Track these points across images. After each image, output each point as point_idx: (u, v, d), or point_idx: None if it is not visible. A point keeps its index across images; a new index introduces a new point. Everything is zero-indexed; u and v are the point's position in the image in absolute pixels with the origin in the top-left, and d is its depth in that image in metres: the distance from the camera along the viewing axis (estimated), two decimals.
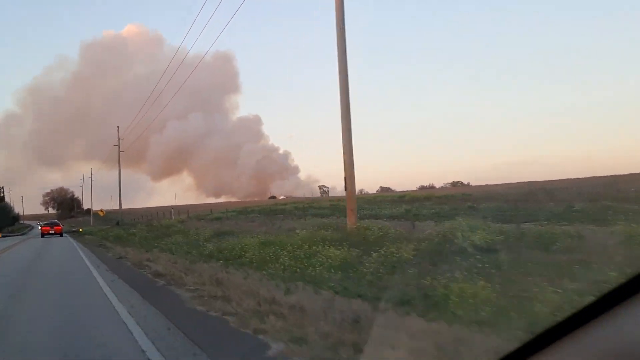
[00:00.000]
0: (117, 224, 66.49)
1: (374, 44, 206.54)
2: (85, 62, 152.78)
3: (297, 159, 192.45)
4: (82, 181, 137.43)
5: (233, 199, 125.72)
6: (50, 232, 49.82)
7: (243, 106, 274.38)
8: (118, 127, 67.81)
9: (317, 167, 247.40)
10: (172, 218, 42.04)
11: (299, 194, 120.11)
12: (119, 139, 66.99)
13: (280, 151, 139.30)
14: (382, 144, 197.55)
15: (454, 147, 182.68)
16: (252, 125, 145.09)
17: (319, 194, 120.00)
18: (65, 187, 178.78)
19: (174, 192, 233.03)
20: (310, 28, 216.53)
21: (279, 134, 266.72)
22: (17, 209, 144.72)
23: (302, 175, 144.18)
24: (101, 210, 68.36)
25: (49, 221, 63.61)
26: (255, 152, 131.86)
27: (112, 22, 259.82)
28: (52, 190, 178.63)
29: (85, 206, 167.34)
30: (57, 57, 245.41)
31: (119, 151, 67.21)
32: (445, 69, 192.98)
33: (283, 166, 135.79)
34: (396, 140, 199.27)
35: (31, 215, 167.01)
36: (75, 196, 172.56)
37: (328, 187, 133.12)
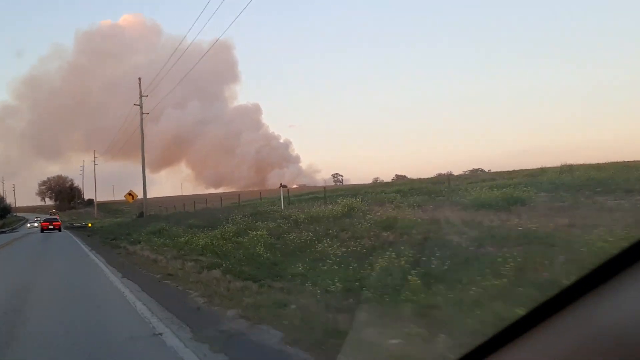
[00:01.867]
0: (141, 215, 46.18)
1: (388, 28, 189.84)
2: (81, 52, 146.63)
3: (298, 149, 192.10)
4: (82, 169, 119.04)
5: (232, 189, 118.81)
6: (50, 227, 51.77)
7: (242, 95, 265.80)
8: (140, 79, 47.01)
9: (318, 157, 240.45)
10: (281, 205, 21.80)
11: (300, 183, 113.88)
12: (140, 96, 46.17)
13: (281, 140, 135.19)
14: (395, 131, 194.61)
15: (467, 135, 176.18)
16: (252, 114, 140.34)
17: (321, 183, 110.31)
18: (63, 175, 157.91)
19: (171, 183, 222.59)
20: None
21: (279, 123, 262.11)
22: (10, 200, 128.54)
23: (302, 164, 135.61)
24: (130, 195, 46.34)
25: (48, 217, 62.31)
26: (255, 141, 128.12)
27: (109, 12, 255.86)
28: (49, 178, 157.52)
29: (87, 196, 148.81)
30: (53, 46, 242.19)
31: (142, 114, 46.29)
32: (465, 52, 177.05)
33: (283, 156, 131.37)
34: (410, 128, 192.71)
35: (28, 207, 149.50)
36: (75, 185, 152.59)
37: (342, 176, 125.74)
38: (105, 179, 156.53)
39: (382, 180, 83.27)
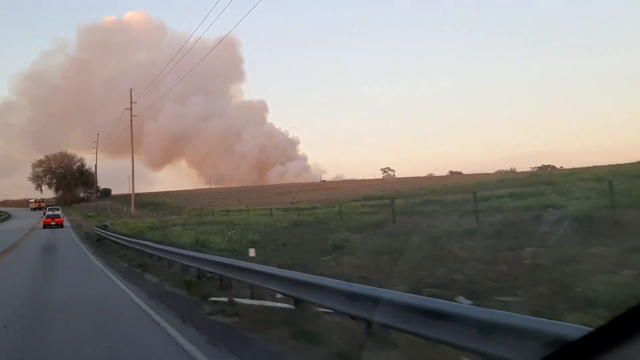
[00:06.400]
0: None
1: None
2: (84, 47, 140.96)
3: (304, 147, 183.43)
4: (95, 144, 74.28)
5: (232, 185, 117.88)
6: (52, 223, 46.62)
7: (247, 93, 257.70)
8: None
9: (324, 156, 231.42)
10: None
11: (302, 180, 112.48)
12: None
13: (289, 135, 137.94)
14: (451, 125, 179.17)
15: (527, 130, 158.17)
16: (257, 111, 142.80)
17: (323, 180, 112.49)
18: (69, 152, 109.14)
19: (171, 179, 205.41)
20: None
21: (286, 120, 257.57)
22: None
23: (309, 162, 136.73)
24: None
25: (51, 213, 50.61)
26: (261, 137, 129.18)
27: (113, 9, 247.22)
28: (47, 157, 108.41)
29: (102, 185, 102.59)
30: (55, 40, 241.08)
31: None
32: (531, 41, 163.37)
33: (287, 153, 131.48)
34: (468, 121, 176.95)
35: (23, 200, 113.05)
36: (86, 167, 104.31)
37: (394, 170, 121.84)
38: (107, 173, 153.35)
39: (435, 175, 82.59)
